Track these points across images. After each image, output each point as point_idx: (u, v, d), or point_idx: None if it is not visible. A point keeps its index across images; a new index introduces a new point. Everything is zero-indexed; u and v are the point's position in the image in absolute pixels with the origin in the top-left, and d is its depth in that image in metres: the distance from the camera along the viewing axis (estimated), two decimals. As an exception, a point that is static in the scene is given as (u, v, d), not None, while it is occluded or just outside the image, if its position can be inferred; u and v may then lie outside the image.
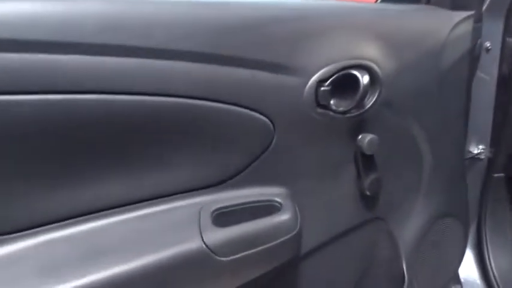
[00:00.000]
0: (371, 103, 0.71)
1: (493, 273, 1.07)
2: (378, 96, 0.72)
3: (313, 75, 0.67)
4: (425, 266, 0.92)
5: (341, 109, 0.69)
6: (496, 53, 0.95)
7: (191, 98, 0.60)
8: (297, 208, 0.70)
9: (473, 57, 0.88)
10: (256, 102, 0.65)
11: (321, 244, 0.78)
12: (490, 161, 1.05)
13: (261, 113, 0.65)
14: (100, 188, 0.59)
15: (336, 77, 0.68)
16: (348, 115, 0.71)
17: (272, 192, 0.70)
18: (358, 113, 0.71)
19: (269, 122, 0.66)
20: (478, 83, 0.95)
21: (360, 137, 0.74)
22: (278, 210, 0.68)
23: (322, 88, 0.67)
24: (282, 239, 0.66)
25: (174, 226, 0.62)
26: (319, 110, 0.69)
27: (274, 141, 0.68)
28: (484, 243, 1.08)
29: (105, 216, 0.60)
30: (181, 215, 0.63)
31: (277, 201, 0.69)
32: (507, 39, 0.95)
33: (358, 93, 0.68)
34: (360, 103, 0.70)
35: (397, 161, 0.82)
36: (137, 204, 0.62)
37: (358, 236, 0.83)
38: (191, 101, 0.60)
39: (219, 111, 0.62)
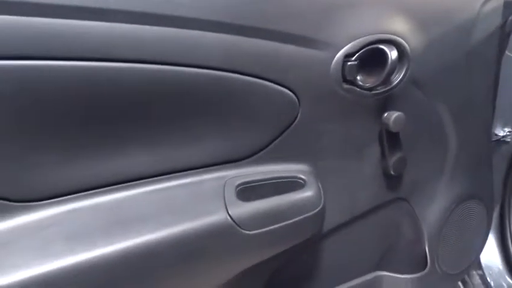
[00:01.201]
0: (398, 80, 0.70)
1: None
2: (406, 72, 0.70)
3: (340, 49, 0.65)
4: (447, 249, 0.90)
5: (367, 85, 0.68)
6: None
7: (214, 69, 0.59)
8: (320, 186, 0.70)
9: (503, 34, 0.85)
10: (281, 75, 0.63)
11: (343, 222, 0.78)
12: None
13: (286, 87, 0.64)
14: (127, 158, 0.59)
15: (363, 52, 0.66)
16: (374, 91, 0.69)
17: (296, 169, 0.70)
18: (384, 89, 0.70)
19: (294, 97, 0.65)
20: (506, 62, 0.92)
21: (386, 114, 0.72)
22: (302, 187, 0.68)
23: (349, 63, 0.66)
24: (306, 216, 0.66)
25: (200, 198, 0.62)
26: (345, 86, 0.67)
27: (298, 116, 0.67)
28: (507, 227, 1.06)
29: (132, 186, 0.60)
30: (206, 188, 0.63)
31: (300, 178, 0.69)
32: None
33: (386, 69, 0.66)
34: (387, 79, 0.68)
35: (422, 140, 0.80)
36: (162, 176, 0.62)
37: (380, 216, 0.82)
38: (214, 72, 0.59)
39: (243, 84, 0.61)
